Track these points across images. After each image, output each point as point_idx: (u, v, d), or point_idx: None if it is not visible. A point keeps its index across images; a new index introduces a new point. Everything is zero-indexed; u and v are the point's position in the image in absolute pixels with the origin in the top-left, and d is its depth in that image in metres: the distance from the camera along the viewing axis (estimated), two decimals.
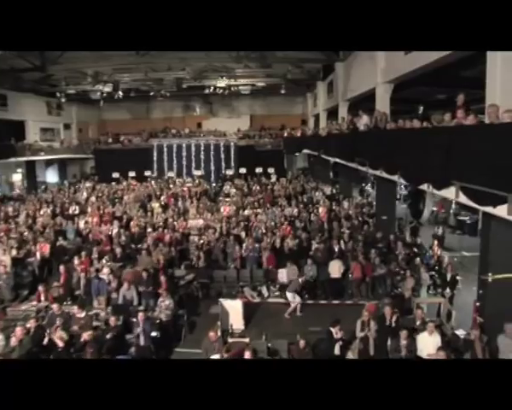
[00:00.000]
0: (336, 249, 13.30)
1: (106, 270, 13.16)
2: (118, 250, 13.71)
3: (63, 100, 25.80)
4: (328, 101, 23.30)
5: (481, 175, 5.51)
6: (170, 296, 10.20)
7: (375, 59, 14.32)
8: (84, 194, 23.74)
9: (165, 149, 29.44)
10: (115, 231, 16.34)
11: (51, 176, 30.25)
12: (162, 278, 11.08)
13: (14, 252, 13.90)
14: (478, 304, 8.56)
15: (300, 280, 11.61)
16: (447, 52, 9.35)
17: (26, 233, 16.08)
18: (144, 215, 18.90)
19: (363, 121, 12.56)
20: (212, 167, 29.26)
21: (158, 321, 9.86)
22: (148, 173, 29.23)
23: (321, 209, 18.28)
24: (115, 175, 28.61)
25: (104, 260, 13.63)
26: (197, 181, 27.18)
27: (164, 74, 21.15)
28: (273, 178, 27.57)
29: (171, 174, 29.15)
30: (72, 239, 16.32)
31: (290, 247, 13.75)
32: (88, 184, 26.86)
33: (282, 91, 24.92)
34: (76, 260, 13.19)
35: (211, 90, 24.16)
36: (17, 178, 28.86)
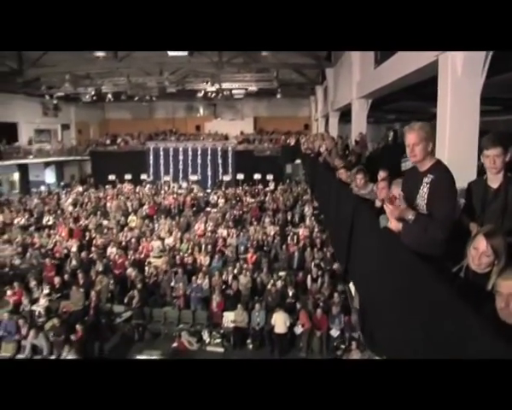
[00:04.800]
0: (291, 293, 11.64)
1: (42, 301, 12.19)
2: (56, 280, 12.57)
3: (54, 101, 25.04)
4: (324, 107, 21.44)
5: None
6: (73, 351, 8.93)
7: (352, 71, 12.51)
8: (69, 200, 22.90)
9: (161, 153, 28.29)
10: (74, 249, 15.31)
11: (49, 177, 29.72)
12: (77, 327, 9.81)
13: None
14: None
15: None
16: (411, 70, 7.63)
17: None
18: (117, 230, 17.87)
19: (325, 146, 10.82)
20: (209, 172, 27.87)
21: None
22: (144, 177, 28.27)
23: (301, 231, 16.60)
24: (111, 178, 27.85)
25: (46, 290, 12.58)
26: (191, 187, 25.94)
27: (145, 79, 19.95)
28: (271, 186, 26.03)
29: (167, 178, 28.03)
30: (30, 258, 15.25)
31: (243, 284, 12.22)
32: (78, 189, 26.07)
33: (278, 96, 23.27)
34: (8, 291, 12.20)
35: (201, 94, 22.78)
36: (17, 177, 28.47)
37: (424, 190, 2.91)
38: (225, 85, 21.66)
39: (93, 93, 21.55)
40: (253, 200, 22.56)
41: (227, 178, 27.53)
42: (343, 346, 9.77)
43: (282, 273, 13.20)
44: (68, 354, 8.86)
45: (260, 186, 25.75)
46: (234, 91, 23.05)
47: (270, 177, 26.76)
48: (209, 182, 27.74)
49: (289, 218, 19.01)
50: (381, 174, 5.16)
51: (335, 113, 17.85)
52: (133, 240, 15.93)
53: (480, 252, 2.33)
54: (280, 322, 10.31)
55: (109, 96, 23.27)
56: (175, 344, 10.84)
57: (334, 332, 10.44)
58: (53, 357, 9.45)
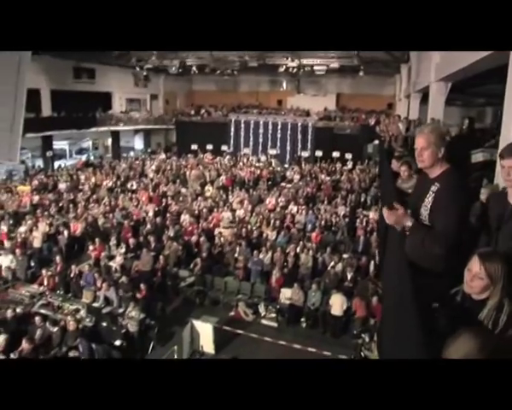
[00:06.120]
0: (349, 277, 11.55)
1: (118, 259, 13.27)
2: (131, 241, 13.63)
3: (144, 73, 26.44)
4: (407, 87, 20.43)
5: None
6: (138, 308, 9.76)
7: (431, 51, 11.82)
8: (153, 167, 24.32)
9: (242, 125, 28.82)
10: (150, 214, 16.38)
11: (138, 143, 31.74)
12: (142, 286, 10.67)
13: (46, 228, 14.62)
14: None
15: None
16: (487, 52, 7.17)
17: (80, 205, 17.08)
18: (192, 198, 18.78)
19: (391, 131, 10.51)
20: (288, 147, 27.90)
21: (124, 331, 9.63)
22: (224, 148, 29.07)
23: (371, 214, 16.21)
24: (194, 147, 28.99)
25: (122, 249, 13.71)
26: (270, 161, 26.23)
27: (226, 53, 20.44)
28: (349, 165, 25.51)
29: (247, 151, 28.57)
30: (112, 218, 16.54)
31: (304, 263, 12.35)
32: (162, 156, 27.57)
33: (361, 73, 22.51)
34: (90, 246, 13.48)
35: (282, 69, 22.82)
36: (110, 142, 30.65)
37: (429, 200, 2.69)
38: (306, 61, 21.44)
39: (178, 66, 22.54)
40: (328, 178, 22.30)
41: (305, 154, 27.36)
42: (364, 335, 9.53)
43: (345, 256, 13.09)
44: (133, 311, 9.70)
45: (338, 164, 25.35)
46: (315, 68, 22.75)
47: (348, 156, 26.16)
48: (287, 157, 27.79)
49: (362, 199, 18.60)
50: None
51: (417, 94, 17.02)
52: (205, 209, 16.66)
53: (472, 273, 2.13)
54: (337, 304, 10.28)
55: (193, 68, 24.15)
56: (232, 313, 11.34)
57: None
58: (121, 310, 10.42)
